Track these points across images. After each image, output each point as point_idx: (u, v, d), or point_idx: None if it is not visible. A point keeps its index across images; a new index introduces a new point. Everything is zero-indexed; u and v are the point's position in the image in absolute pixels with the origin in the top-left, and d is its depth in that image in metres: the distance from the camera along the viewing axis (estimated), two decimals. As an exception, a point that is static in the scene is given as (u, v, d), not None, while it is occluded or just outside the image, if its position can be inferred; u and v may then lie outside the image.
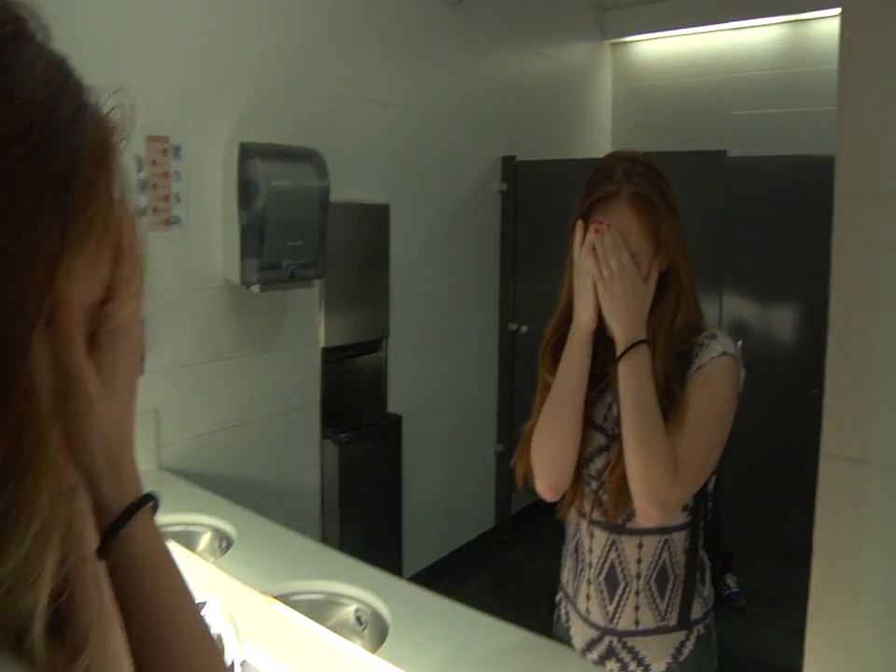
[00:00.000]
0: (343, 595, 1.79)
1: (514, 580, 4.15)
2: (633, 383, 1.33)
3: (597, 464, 1.45)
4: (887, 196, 0.81)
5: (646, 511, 1.33)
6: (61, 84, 0.43)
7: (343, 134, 3.21)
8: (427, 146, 3.73)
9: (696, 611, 1.46)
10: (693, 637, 1.46)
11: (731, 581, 3.74)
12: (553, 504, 1.51)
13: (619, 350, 1.35)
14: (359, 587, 1.78)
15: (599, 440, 1.45)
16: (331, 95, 3.13)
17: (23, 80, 0.41)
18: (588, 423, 1.44)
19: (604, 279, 1.33)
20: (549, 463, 1.44)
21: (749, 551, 3.77)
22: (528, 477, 1.48)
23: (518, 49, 4.46)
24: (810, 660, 0.87)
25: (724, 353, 1.38)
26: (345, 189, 3.10)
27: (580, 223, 1.38)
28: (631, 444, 1.32)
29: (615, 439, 1.42)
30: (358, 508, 3.25)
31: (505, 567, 4.30)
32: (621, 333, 1.35)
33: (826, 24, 4.58)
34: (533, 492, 1.48)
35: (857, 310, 0.83)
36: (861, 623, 0.84)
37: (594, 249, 1.34)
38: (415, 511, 3.65)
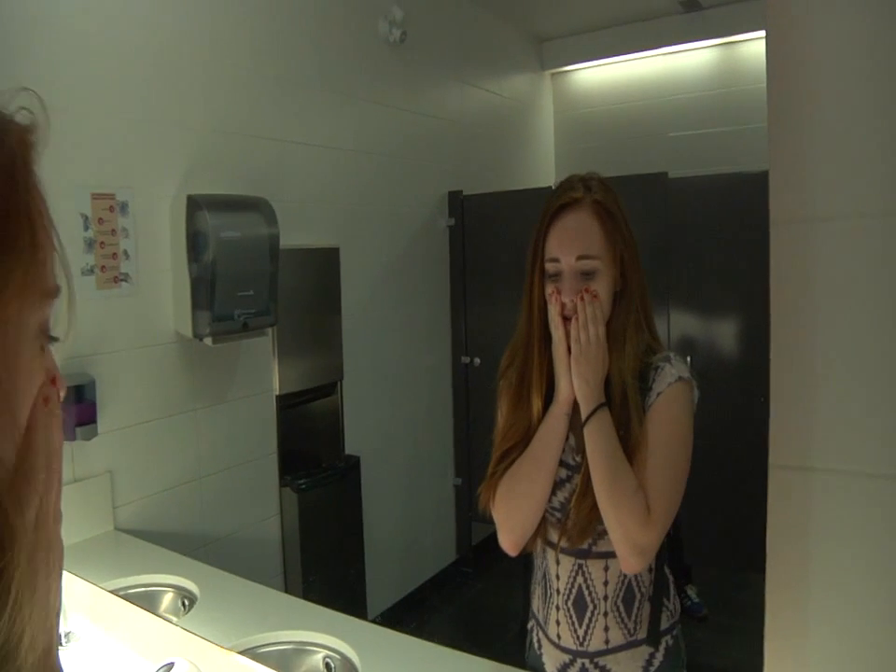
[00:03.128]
0: (310, 644, 1.79)
1: (480, 611, 4.16)
2: (600, 444, 1.38)
3: (560, 496, 1.47)
4: (818, 219, 0.86)
5: (627, 560, 1.37)
6: None
7: (290, 180, 3.24)
8: (374, 186, 3.78)
9: (664, 623, 1.50)
10: (661, 649, 1.49)
11: (692, 592, 3.79)
12: None
13: (584, 412, 1.40)
14: (326, 633, 1.78)
15: (561, 472, 1.47)
16: (276, 142, 3.16)
17: None
18: None
19: (580, 344, 1.39)
20: (518, 525, 1.48)
21: (707, 562, 3.84)
22: (488, 510, 1.51)
23: (459, 84, 4.55)
24: (770, 660, 0.91)
25: (680, 378, 1.42)
26: (295, 235, 3.12)
27: (555, 295, 1.43)
28: (606, 500, 1.36)
29: (576, 469, 1.45)
30: (320, 553, 3.24)
31: (470, 599, 4.30)
32: (587, 396, 1.40)
33: (756, 45, 4.78)
34: (491, 521, 1.52)
35: (795, 330, 0.88)
36: (816, 621, 0.89)
37: (575, 314, 1.40)
38: (377, 552, 3.65)
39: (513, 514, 1.48)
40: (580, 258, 1.41)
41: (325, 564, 3.25)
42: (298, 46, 3.27)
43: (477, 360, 4.40)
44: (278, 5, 3.16)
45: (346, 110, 3.57)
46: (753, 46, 4.82)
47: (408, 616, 3.87)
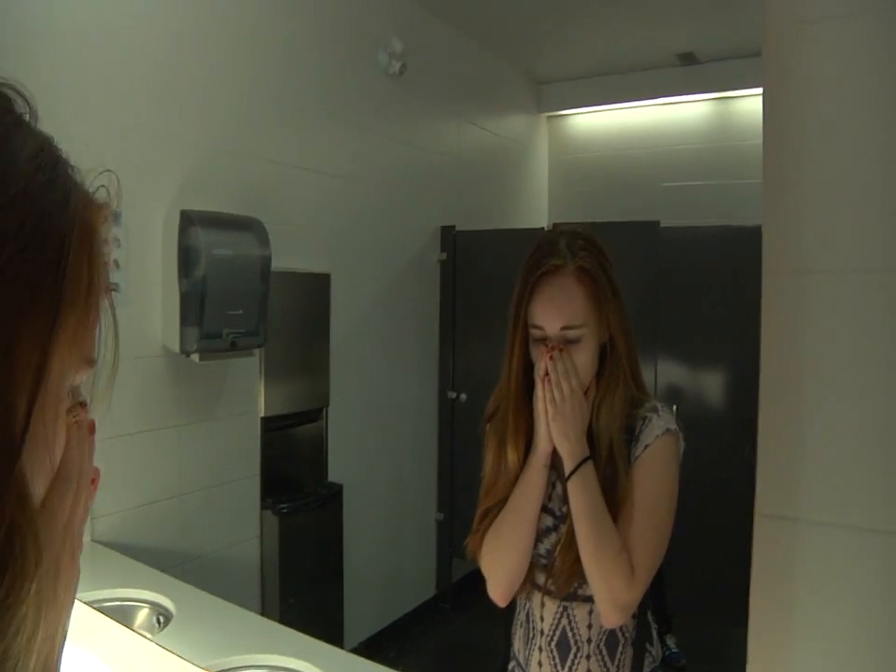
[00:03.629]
0: (285, 669, 1.75)
1: (458, 649, 4.11)
2: (584, 499, 1.38)
3: (546, 544, 1.48)
4: (811, 272, 0.88)
5: (608, 617, 1.39)
6: (52, 169, 0.43)
7: (285, 204, 3.25)
8: (367, 215, 3.80)
9: (645, 668, 1.49)
10: None
11: (671, 641, 3.73)
12: None
13: (568, 468, 1.40)
14: (301, 659, 1.75)
15: (547, 520, 1.48)
16: (273, 164, 3.18)
17: (15, 169, 0.40)
18: None
19: (556, 402, 1.39)
20: (504, 577, 1.48)
21: (689, 613, 3.80)
22: (476, 558, 1.52)
23: (457, 121, 4.61)
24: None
25: (668, 430, 1.43)
26: (287, 258, 3.13)
27: (540, 355, 1.42)
28: (589, 556, 1.36)
29: (562, 519, 1.46)
30: (299, 579, 3.19)
31: (448, 635, 4.24)
32: (570, 452, 1.40)
33: (751, 102, 4.87)
34: (473, 559, 1.52)
35: (785, 380, 0.89)
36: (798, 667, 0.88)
37: (546, 374, 1.39)
38: (356, 582, 3.60)
39: (500, 566, 1.48)
40: (564, 328, 1.40)
41: (303, 590, 3.20)
42: (299, 70, 3.31)
43: (464, 396, 4.39)
44: (281, 28, 3.21)
45: (344, 137, 3.61)
46: (749, 102, 4.91)
47: (385, 648, 3.81)
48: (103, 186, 0.48)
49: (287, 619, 2.94)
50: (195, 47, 2.80)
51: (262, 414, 3.13)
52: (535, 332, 1.43)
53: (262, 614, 2.85)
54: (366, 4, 3.73)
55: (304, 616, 3.09)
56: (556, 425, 1.40)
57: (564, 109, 5.63)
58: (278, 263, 2.95)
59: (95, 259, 0.45)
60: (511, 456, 1.47)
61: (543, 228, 4.54)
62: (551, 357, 1.39)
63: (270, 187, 3.17)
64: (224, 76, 2.93)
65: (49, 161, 0.43)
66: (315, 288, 3.43)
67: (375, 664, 1.77)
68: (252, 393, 3.10)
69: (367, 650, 3.64)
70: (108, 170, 0.48)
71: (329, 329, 3.48)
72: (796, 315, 0.90)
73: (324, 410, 3.50)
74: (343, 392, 3.57)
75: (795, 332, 0.88)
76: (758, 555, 0.92)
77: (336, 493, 3.45)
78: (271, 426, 3.19)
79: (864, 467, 0.87)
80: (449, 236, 4.41)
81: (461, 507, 4.41)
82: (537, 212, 5.57)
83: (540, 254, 1.44)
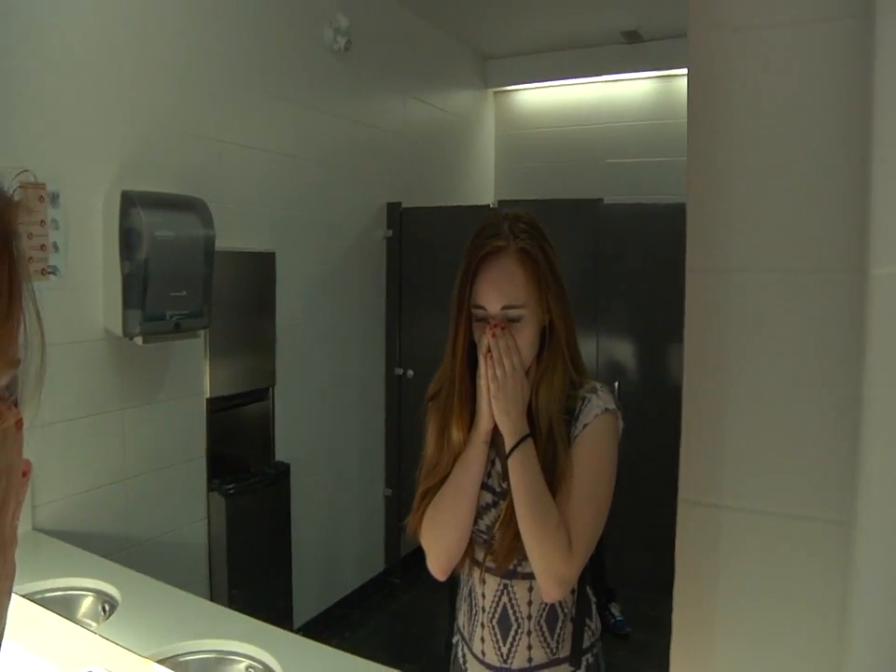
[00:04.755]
0: (233, 653, 1.77)
1: (407, 623, 4.16)
2: (524, 475, 1.41)
3: (486, 520, 1.51)
4: (728, 269, 0.91)
5: (548, 590, 1.42)
6: None
7: (229, 182, 3.21)
8: (312, 193, 3.77)
9: (585, 642, 1.54)
10: (583, 667, 1.53)
11: (615, 610, 3.84)
12: None
13: (508, 445, 1.43)
14: (249, 643, 1.76)
15: (486, 497, 1.51)
16: (215, 143, 3.13)
17: None
18: None
19: (497, 379, 1.42)
20: (444, 550, 1.51)
21: (630, 582, 3.91)
22: (416, 536, 1.54)
23: (403, 96, 4.58)
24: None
25: (606, 409, 1.47)
26: (231, 237, 3.10)
27: (483, 334, 1.44)
28: (529, 531, 1.40)
29: (502, 496, 1.49)
30: (247, 559, 3.20)
31: (397, 609, 4.30)
32: (510, 428, 1.43)
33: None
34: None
35: (706, 373, 0.92)
36: (719, 648, 0.93)
37: (488, 351, 1.42)
38: (305, 560, 3.62)
39: (439, 540, 1.51)
40: (505, 307, 1.44)
41: (251, 570, 3.21)
42: (242, 46, 3.26)
43: (410, 372, 4.42)
44: (224, 3, 3.15)
45: (287, 114, 3.57)
46: (690, 80, 4.97)
47: (334, 626, 3.84)
48: (21, 187, 0.46)
49: (235, 601, 2.96)
50: (134, 23, 2.74)
51: (208, 395, 3.12)
52: (477, 312, 1.46)
53: (211, 597, 2.86)
54: (309, -21, 3.67)
55: (253, 597, 3.10)
56: (497, 402, 1.43)
57: (510, 85, 5.63)
58: (223, 243, 2.92)
59: (15, 262, 0.44)
60: (456, 435, 1.50)
61: (489, 205, 4.56)
62: (493, 335, 1.42)
63: (213, 166, 3.12)
64: (164, 53, 2.87)
65: None
66: (261, 267, 3.40)
67: (325, 645, 1.80)
68: (197, 374, 3.08)
69: (317, 626, 3.68)
70: (25, 170, 0.48)
71: (275, 309, 3.46)
72: (715, 310, 0.93)
73: (270, 389, 3.49)
74: (289, 371, 3.56)
75: (714, 325, 0.92)
76: (680, 539, 0.96)
77: (283, 472, 3.46)
78: (217, 406, 3.17)
79: (782, 454, 0.92)
80: (395, 213, 4.40)
81: (409, 482, 4.40)
82: (483, 188, 5.58)
83: (483, 236, 1.47)
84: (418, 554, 4.77)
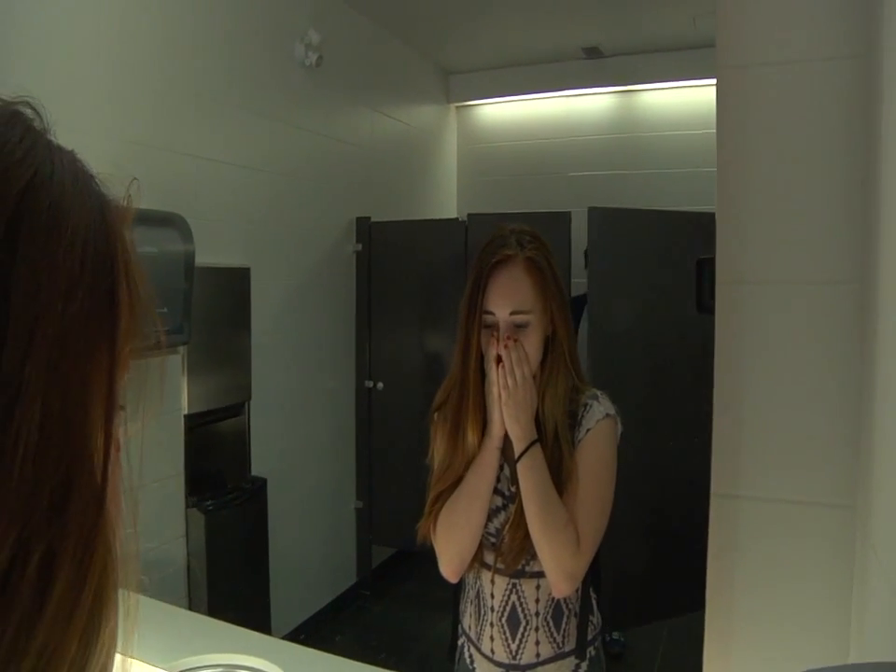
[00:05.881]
0: (239, 667, 1.78)
1: (379, 632, 4.16)
2: (533, 479, 1.48)
3: (496, 523, 1.57)
4: (753, 282, 0.98)
5: (558, 585, 1.49)
6: (88, 192, 0.41)
7: (201, 197, 3.21)
8: (285, 207, 3.79)
9: (588, 635, 1.62)
10: (587, 659, 1.61)
11: (616, 634, 3.91)
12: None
13: (518, 450, 1.50)
14: (253, 655, 1.77)
15: (496, 500, 1.58)
16: (189, 157, 3.13)
17: (66, 202, 0.39)
18: None
19: (509, 388, 1.49)
20: (457, 553, 1.56)
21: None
22: (427, 539, 1.59)
23: (370, 111, 4.63)
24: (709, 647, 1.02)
25: (607, 414, 1.56)
26: (206, 253, 3.09)
27: (492, 342, 1.51)
28: (539, 532, 1.47)
29: (511, 499, 1.56)
30: (226, 575, 3.19)
31: (368, 620, 4.31)
32: (520, 434, 1.50)
33: (652, 95, 5.08)
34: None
35: (735, 377, 0.99)
36: (743, 622, 1.00)
37: (499, 360, 1.49)
38: (281, 574, 3.62)
39: (453, 543, 1.56)
40: (513, 312, 1.51)
41: (230, 586, 3.20)
42: (215, 61, 3.27)
43: (380, 385, 4.45)
44: (198, 18, 3.16)
45: (260, 129, 3.58)
46: (650, 95, 5.12)
47: (310, 639, 3.84)
48: (127, 196, 0.46)
49: (215, 617, 2.93)
50: (108, 40, 2.73)
51: (186, 412, 3.10)
52: (486, 318, 1.53)
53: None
54: (282, -5, 3.70)
55: (232, 612, 3.07)
56: (508, 409, 1.50)
57: (472, 99, 5.71)
58: (198, 258, 2.92)
59: (133, 274, 0.44)
60: (471, 437, 1.56)
61: (457, 218, 4.62)
62: (505, 346, 1.49)
63: (186, 180, 3.12)
64: (138, 67, 2.86)
65: (84, 183, 0.42)
66: (236, 282, 3.41)
67: (328, 653, 1.81)
68: (175, 390, 3.06)
69: (294, 640, 3.67)
70: (135, 178, 0.47)
71: (251, 324, 3.47)
72: (742, 322, 1.00)
73: (246, 404, 3.49)
74: (263, 385, 3.57)
75: (745, 336, 0.99)
76: (713, 531, 1.03)
77: (260, 487, 3.45)
78: (194, 422, 3.16)
79: (800, 449, 0.99)
80: (364, 227, 4.43)
81: (380, 494, 4.47)
82: (446, 202, 5.65)
83: (493, 247, 1.55)
84: (388, 566, 4.79)
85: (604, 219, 3.85)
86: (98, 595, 0.39)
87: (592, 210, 3.81)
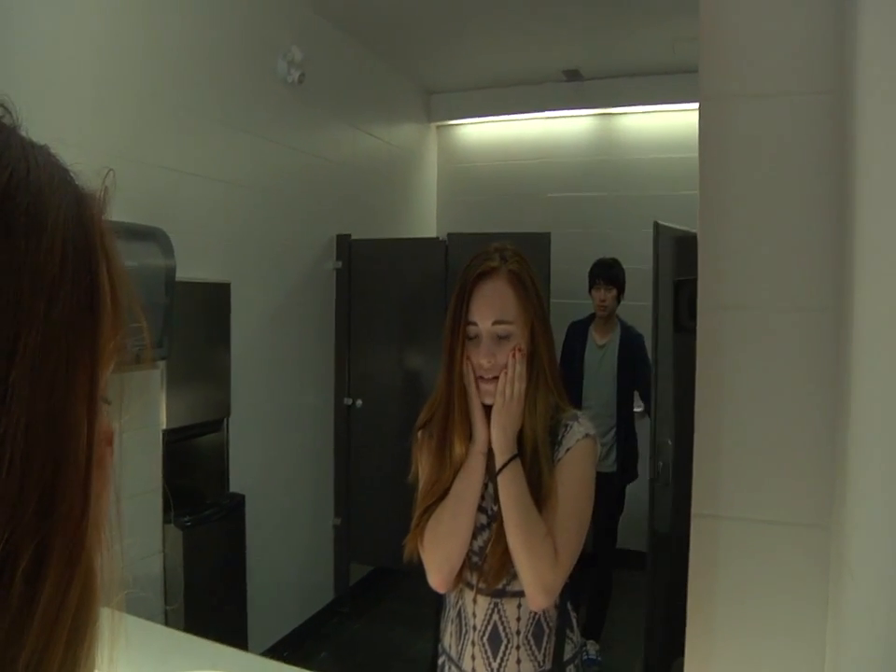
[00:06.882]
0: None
1: (356, 650, 4.15)
2: (513, 490, 1.51)
3: (479, 541, 1.59)
4: (732, 308, 1.01)
5: (535, 598, 1.50)
6: (64, 185, 0.41)
7: (183, 212, 3.21)
8: (266, 223, 3.79)
9: (567, 653, 1.63)
10: None
11: (592, 648, 3.94)
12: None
13: (499, 462, 1.53)
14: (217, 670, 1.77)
15: (480, 518, 1.59)
16: (170, 172, 3.13)
17: (41, 200, 0.38)
18: None
19: (504, 398, 1.53)
20: (446, 560, 1.57)
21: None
22: (414, 556, 1.60)
23: (352, 129, 4.65)
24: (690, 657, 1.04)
25: (587, 435, 1.58)
26: (187, 268, 3.09)
27: (470, 355, 1.55)
28: (518, 543, 1.49)
29: (493, 517, 1.57)
30: (203, 592, 3.17)
31: (346, 639, 4.29)
32: (503, 446, 1.53)
33: (631, 118, 5.16)
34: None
35: (714, 399, 1.02)
36: (723, 632, 1.02)
37: (504, 369, 1.53)
38: (259, 591, 3.60)
39: (441, 552, 1.57)
40: (495, 322, 1.54)
41: (207, 602, 3.18)
42: (198, 77, 3.28)
43: (359, 402, 4.45)
44: (180, 35, 3.17)
45: (242, 145, 3.59)
46: (629, 118, 5.20)
47: (288, 657, 3.81)
48: (103, 188, 0.46)
49: (192, 633, 2.92)
50: (91, 51, 2.74)
51: (164, 427, 3.09)
52: (469, 329, 1.56)
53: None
54: (266, 12, 3.73)
55: (209, 628, 3.05)
56: (500, 418, 1.53)
57: (453, 119, 5.77)
58: (179, 273, 2.92)
59: (113, 266, 0.44)
60: (459, 448, 1.58)
61: (437, 237, 4.65)
62: (513, 356, 1.53)
63: (167, 195, 3.12)
64: (120, 82, 2.87)
65: (60, 178, 0.41)
66: (216, 298, 3.40)
67: (285, 665, 1.81)
68: (154, 405, 3.05)
69: (271, 657, 3.64)
70: (110, 169, 0.46)
71: (230, 340, 3.46)
72: (727, 346, 1.03)
73: (225, 420, 3.48)
74: (243, 401, 3.56)
75: (725, 361, 1.02)
76: (694, 550, 1.05)
77: (238, 503, 3.44)
78: (172, 438, 3.14)
79: (778, 471, 1.02)
80: (345, 244, 4.45)
81: (357, 511, 4.47)
82: (426, 221, 5.68)
83: (477, 261, 1.59)
84: (366, 583, 4.77)
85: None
86: (83, 597, 0.39)
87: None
